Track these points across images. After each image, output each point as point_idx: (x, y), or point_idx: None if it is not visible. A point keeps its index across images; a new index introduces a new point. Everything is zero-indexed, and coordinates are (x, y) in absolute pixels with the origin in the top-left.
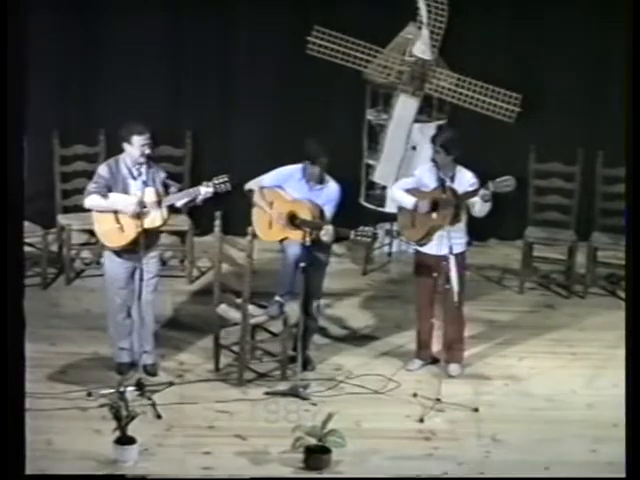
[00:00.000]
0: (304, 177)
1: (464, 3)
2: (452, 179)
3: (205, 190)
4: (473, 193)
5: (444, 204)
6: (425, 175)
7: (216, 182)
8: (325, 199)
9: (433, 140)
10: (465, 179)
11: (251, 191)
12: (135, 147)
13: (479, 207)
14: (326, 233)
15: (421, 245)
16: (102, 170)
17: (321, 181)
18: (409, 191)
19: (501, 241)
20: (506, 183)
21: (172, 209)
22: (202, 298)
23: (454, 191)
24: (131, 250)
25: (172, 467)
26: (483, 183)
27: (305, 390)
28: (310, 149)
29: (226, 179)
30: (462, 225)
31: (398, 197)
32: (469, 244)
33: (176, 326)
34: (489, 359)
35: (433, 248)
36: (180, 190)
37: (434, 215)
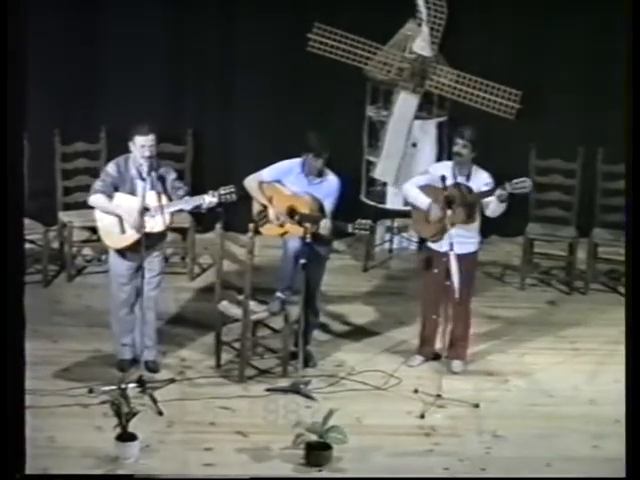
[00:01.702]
0: (303, 171)
1: (463, 0)
2: (468, 177)
3: (210, 200)
4: (489, 193)
5: (459, 202)
6: (440, 172)
7: (222, 192)
8: (324, 193)
9: (461, 134)
10: (481, 178)
11: (261, 212)
12: (136, 147)
13: (493, 207)
14: (324, 226)
15: (434, 241)
16: (110, 168)
17: (320, 175)
18: (423, 188)
19: (502, 237)
20: (523, 185)
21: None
22: (203, 295)
23: (470, 189)
24: (134, 249)
25: (173, 464)
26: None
27: (306, 387)
28: (310, 143)
29: (232, 190)
30: (476, 224)
31: (413, 195)
32: (481, 244)
33: (177, 323)
34: (490, 355)
35: (443, 246)
36: (188, 193)
37: (449, 212)
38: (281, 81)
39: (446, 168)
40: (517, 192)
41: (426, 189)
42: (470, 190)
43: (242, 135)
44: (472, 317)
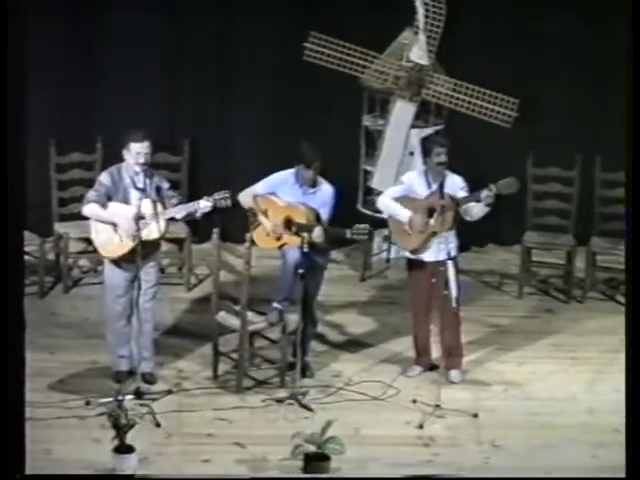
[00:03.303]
0: (297, 182)
1: (461, 8)
2: (442, 183)
3: (205, 205)
4: (475, 197)
5: (441, 210)
6: (415, 182)
7: (217, 197)
8: (320, 202)
9: (440, 143)
10: (455, 183)
11: (252, 209)
12: (131, 154)
13: (478, 210)
14: (317, 235)
15: (415, 254)
16: (104, 178)
17: (314, 184)
18: (401, 199)
19: (499, 246)
20: (509, 185)
21: (170, 219)
22: (200, 305)
23: (452, 196)
24: (129, 259)
25: (171, 475)
26: (478, 188)
27: (304, 397)
28: (303, 153)
29: (227, 195)
30: (453, 230)
31: (392, 208)
32: (461, 248)
33: (174, 334)
34: (488, 364)
35: (430, 255)
36: (182, 202)
37: (431, 222)
38: (277, 91)
39: (419, 176)
40: (504, 193)
41: (404, 201)
42: (452, 197)
43: (238, 145)
44: (470, 326)
